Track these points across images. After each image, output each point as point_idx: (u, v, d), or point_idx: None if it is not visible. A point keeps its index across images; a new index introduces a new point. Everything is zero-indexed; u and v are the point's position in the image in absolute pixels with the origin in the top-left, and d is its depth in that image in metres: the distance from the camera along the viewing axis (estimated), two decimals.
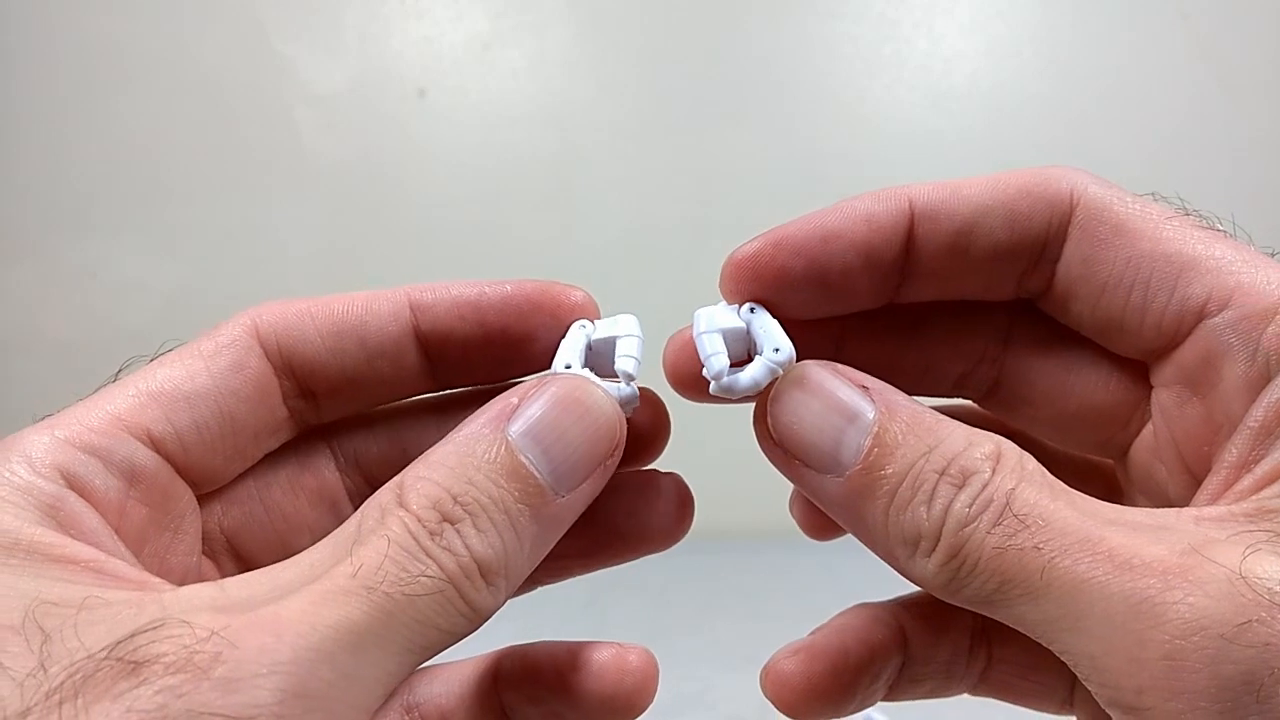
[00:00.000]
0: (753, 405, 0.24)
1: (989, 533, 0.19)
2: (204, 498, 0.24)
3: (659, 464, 0.26)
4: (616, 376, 0.24)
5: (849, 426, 0.21)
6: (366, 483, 0.26)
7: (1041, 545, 0.18)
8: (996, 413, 0.27)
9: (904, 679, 0.27)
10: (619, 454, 0.22)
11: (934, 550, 0.20)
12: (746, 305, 0.24)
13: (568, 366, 0.23)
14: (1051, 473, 0.20)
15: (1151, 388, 0.24)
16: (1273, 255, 0.22)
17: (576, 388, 0.21)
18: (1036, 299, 0.25)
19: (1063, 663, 0.19)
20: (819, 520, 0.26)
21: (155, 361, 0.23)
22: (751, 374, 0.23)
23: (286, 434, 0.25)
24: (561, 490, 0.20)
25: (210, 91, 1.03)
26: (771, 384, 0.22)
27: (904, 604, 0.27)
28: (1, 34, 1.03)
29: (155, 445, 0.22)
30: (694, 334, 0.24)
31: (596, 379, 0.22)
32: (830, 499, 0.21)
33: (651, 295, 1.06)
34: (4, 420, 1.10)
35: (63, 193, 1.05)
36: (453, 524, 0.19)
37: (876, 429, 0.21)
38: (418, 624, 0.18)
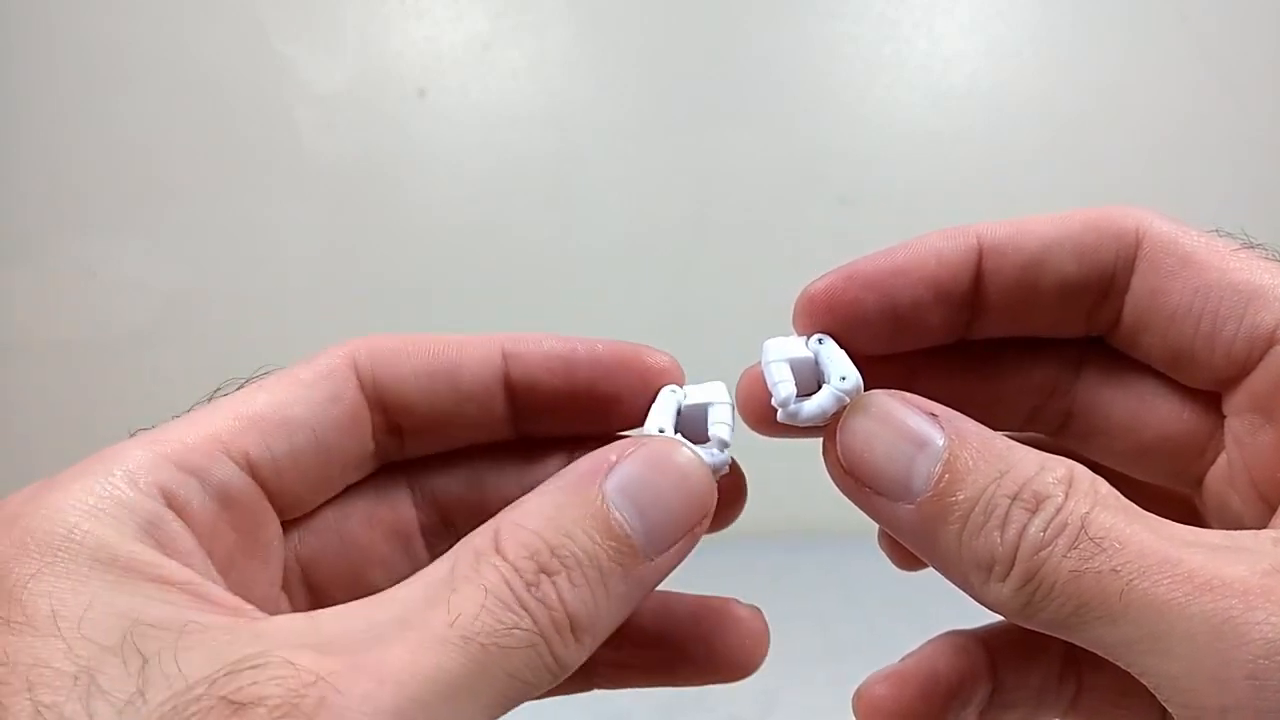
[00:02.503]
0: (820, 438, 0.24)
1: (1065, 556, 0.19)
2: (285, 526, 0.24)
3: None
4: (707, 441, 0.24)
5: (919, 454, 0.21)
6: (442, 521, 0.26)
7: (1119, 568, 0.18)
8: (1070, 446, 0.27)
9: (994, 705, 0.27)
10: (708, 520, 0.22)
11: (1008, 575, 0.20)
12: (815, 336, 0.24)
13: (660, 430, 0.23)
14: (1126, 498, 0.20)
15: (1224, 417, 0.24)
16: None
17: (672, 450, 0.21)
18: (1106, 334, 0.25)
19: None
20: (907, 552, 0.26)
21: (253, 385, 0.23)
22: (819, 402, 0.23)
23: (370, 467, 0.25)
24: (652, 552, 0.20)
25: (210, 91, 1.03)
26: (839, 413, 0.23)
27: (993, 631, 0.27)
28: (1, 34, 1.03)
29: (251, 470, 0.22)
30: (762, 363, 0.24)
31: (689, 444, 0.22)
32: (902, 526, 0.21)
33: (651, 295, 1.06)
34: (4, 420, 1.09)
35: (63, 193, 1.05)
36: (549, 575, 0.19)
37: (947, 455, 0.21)
38: (508, 676, 0.18)
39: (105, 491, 0.19)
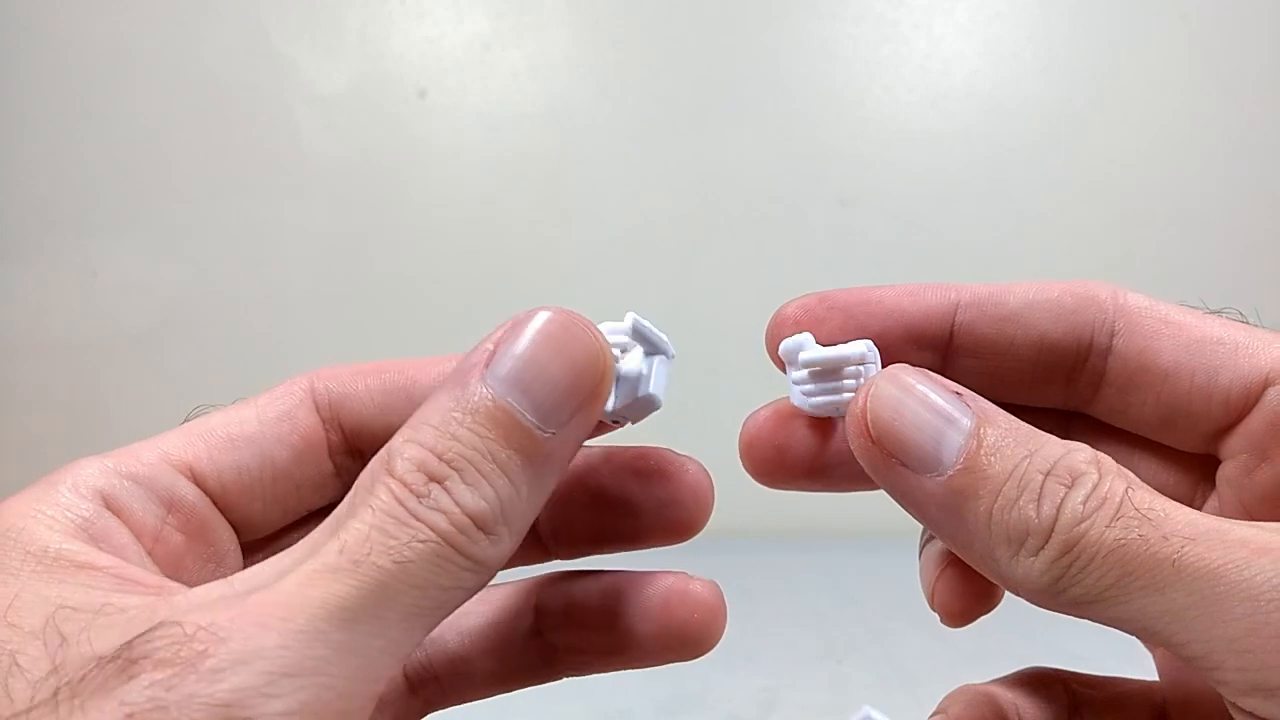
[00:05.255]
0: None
1: (1108, 527, 0.19)
2: (249, 547, 0.24)
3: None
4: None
5: (948, 428, 0.21)
6: None
7: (1169, 535, 0.19)
8: None
9: None
10: (606, 382, 0.21)
11: (1043, 547, 0.20)
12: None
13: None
14: None
15: (1205, 480, 0.25)
16: None
17: (547, 320, 0.21)
18: (1086, 406, 0.25)
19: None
20: (963, 606, 0.26)
21: (215, 410, 0.24)
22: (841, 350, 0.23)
23: (333, 493, 0.25)
24: (549, 427, 0.20)
25: (211, 92, 1.04)
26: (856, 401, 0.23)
27: (1008, 680, 0.27)
28: (2, 34, 1.03)
29: (197, 480, 0.22)
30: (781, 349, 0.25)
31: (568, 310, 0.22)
32: (928, 499, 0.21)
33: (651, 294, 1.06)
34: (3, 420, 1.09)
35: (63, 193, 1.05)
36: (440, 482, 0.19)
37: (977, 431, 0.21)
38: (415, 589, 0.18)
39: (49, 498, 0.20)
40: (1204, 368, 0.23)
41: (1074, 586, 0.19)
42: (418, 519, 0.18)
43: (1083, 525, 0.19)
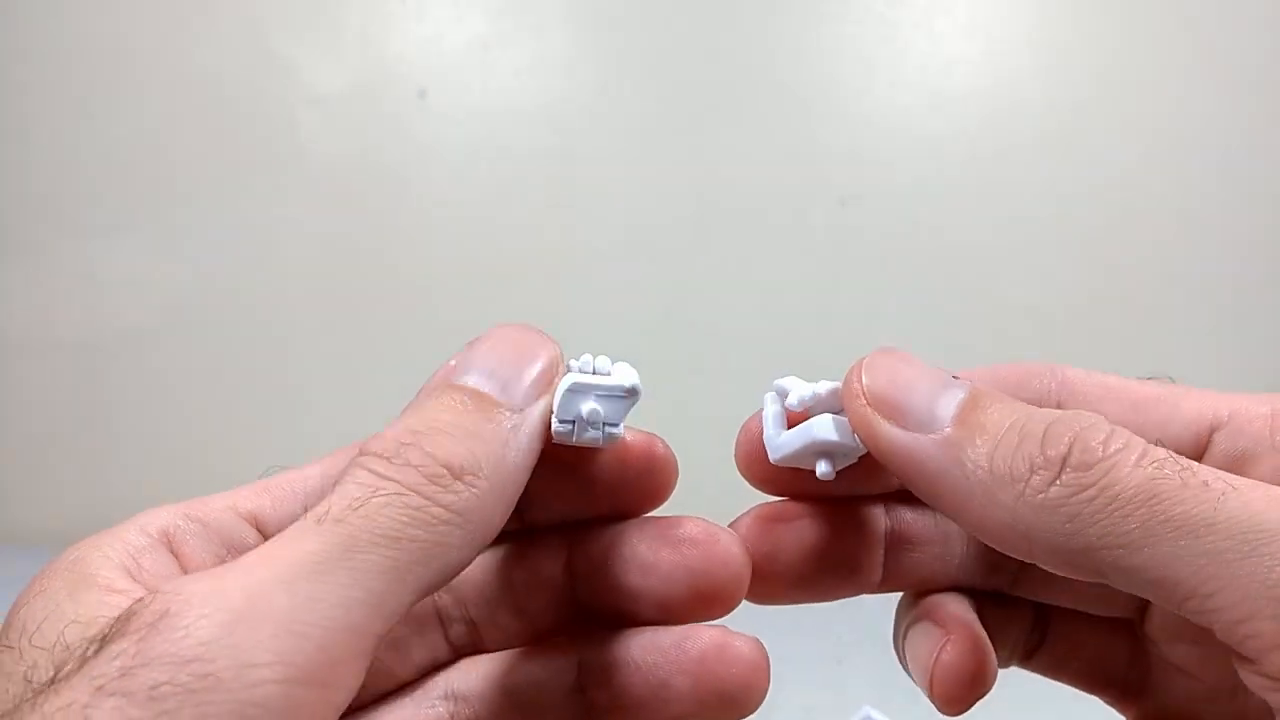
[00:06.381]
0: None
1: (1136, 465, 0.18)
2: None
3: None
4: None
5: (944, 390, 0.21)
6: (454, 602, 0.26)
7: (1209, 481, 0.18)
8: (1024, 592, 0.28)
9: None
10: (555, 355, 0.23)
11: (1056, 480, 0.18)
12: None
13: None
14: None
15: None
16: None
17: (512, 330, 0.22)
18: None
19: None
20: (962, 691, 0.25)
21: (288, 469, 0.25)
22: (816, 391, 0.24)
23: None
24: (515, 404, 0.21)
25: (211, 92, 1.04)
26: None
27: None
28: (2, 34, 1.03)
29: (259, 527, 0.23)
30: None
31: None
32: (925, 458, 0.21)
33: (651, 295, 1.06)
34: (3, 420, 1.09)
35: (63, 193, 1.05)
36: (412, 443, 0.19)
37: (973, 393, 0.21)
38: (387, 539, 0.18)
39: (115, 534, 0.20)
40: (1152, 423, 0.24)
41: (1092, 528, 0.18)
42: (385, 477, 0.19)
43: (1105, 462, 0.18)
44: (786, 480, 0.26)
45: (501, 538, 0.24)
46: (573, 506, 0.25)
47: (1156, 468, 0.18)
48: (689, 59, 1.03)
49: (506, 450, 0.20)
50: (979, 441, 0.20)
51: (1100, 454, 0.18)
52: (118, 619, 0.16)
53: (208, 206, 1.04)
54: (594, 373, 0.23)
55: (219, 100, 1.04)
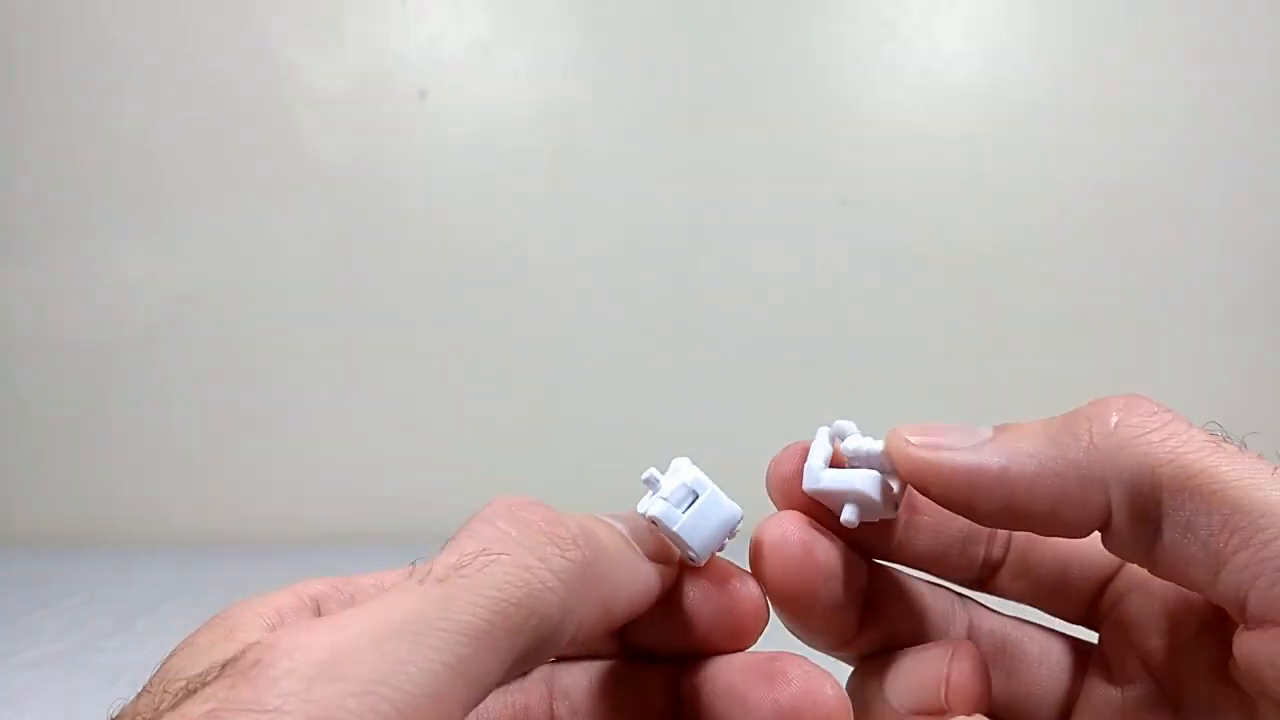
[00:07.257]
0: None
1: (1204, 442, 0.20)
2: None
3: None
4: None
5: (970, 427, 0.23)
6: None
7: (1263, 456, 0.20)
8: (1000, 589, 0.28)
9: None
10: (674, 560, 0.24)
11: (1116, 414, 0.21)
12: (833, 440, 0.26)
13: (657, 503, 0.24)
14: None
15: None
16: None
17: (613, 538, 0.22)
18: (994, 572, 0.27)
19: None
20: None
21: None
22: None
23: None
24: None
25: (211, 92, 1.04)
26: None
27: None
28: (2, 34, 1.03)
29: None
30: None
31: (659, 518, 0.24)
32: (977, 459, 0.22)
33: (651, 295, 1.06)
34: (4, 420, 1.08)
35: (63, 193, 1.05)
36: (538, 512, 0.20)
37: (998, 425, 0.23)
38: (487, 598, 0.17)
39: (272, 595, 0.21)
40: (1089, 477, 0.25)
41: (1164, 468, 0.20)
42: (496, 544, 0.19)
43: (1171, 443, 0.20)
44: (810, 509, 0.26)
45: (608, 658, 0.25)
46: (669, 638, 0.25)
47: (1211, 435, 0.20)
48: (689, 60, 1.03)
49: (632, 562, 0.22)
50: (1025, 430, 0.22)
51: (1164, 429, 0.21)
52: (225, 663, 0.16)
53: (208, 207, 1.05)
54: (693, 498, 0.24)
55: (219, 101, 1.04)
